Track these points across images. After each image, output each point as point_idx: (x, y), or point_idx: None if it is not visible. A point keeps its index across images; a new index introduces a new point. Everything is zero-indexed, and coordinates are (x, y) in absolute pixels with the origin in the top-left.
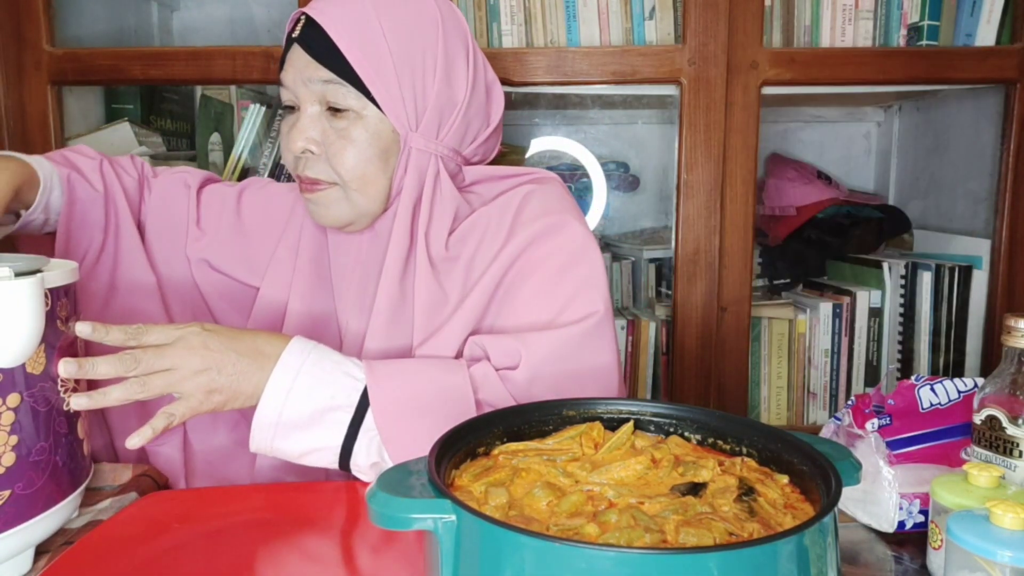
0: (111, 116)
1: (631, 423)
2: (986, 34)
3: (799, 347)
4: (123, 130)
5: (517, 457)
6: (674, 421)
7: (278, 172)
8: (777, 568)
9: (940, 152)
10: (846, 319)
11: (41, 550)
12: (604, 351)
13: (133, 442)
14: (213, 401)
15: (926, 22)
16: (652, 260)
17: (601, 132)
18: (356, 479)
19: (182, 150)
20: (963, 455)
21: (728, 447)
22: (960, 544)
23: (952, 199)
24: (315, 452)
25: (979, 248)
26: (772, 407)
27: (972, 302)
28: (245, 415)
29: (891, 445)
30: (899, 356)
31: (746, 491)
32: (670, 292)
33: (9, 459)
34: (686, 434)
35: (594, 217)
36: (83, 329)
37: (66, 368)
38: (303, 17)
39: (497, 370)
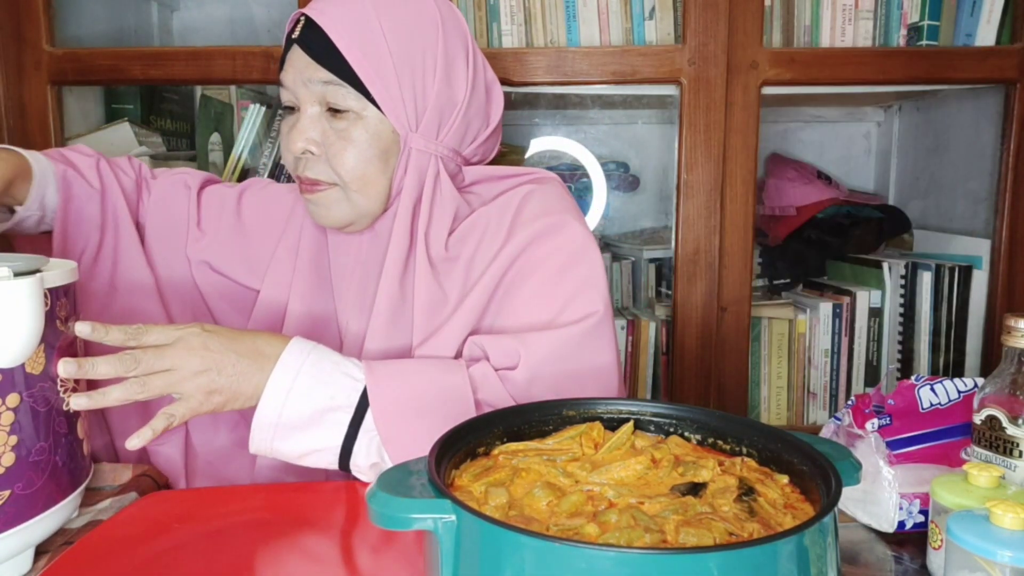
0: (111, 116)
1: (631, 423)
2: (986, 34)
3: (799, 347)
4: (123, 130)
5: (517, 457)
6: (674, 421)
7: (278, 172)
8: (777, 568)
9: (940, 152)
10: (846, 319)
11: (41, 550)
12: (604, 351)
13: (133, 443)
14: (213, 402)
15: (926, 22)
16: (652, 260)
17: (601, 132)
18: (356, 479)
19: (182, 150)
20: (963, 455)
21: (728, 447)
22: (960, 544)
23: (952, 199)
24: (315, 453)
25: (979, 248)
26: (772, 407)
27: (972, 302)
28: (245, 416)
29: (891, 445)
30: (899, 356)
31: (746, 491)
32: (670, 292)
33: (9, 459)
34: (686, 434)
35: (594, 217)
36: (83, 329)
37: (66, 368)
38: (303, 18)
39: (497, 370)
